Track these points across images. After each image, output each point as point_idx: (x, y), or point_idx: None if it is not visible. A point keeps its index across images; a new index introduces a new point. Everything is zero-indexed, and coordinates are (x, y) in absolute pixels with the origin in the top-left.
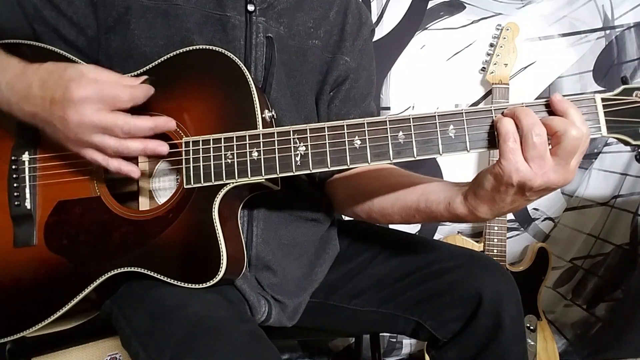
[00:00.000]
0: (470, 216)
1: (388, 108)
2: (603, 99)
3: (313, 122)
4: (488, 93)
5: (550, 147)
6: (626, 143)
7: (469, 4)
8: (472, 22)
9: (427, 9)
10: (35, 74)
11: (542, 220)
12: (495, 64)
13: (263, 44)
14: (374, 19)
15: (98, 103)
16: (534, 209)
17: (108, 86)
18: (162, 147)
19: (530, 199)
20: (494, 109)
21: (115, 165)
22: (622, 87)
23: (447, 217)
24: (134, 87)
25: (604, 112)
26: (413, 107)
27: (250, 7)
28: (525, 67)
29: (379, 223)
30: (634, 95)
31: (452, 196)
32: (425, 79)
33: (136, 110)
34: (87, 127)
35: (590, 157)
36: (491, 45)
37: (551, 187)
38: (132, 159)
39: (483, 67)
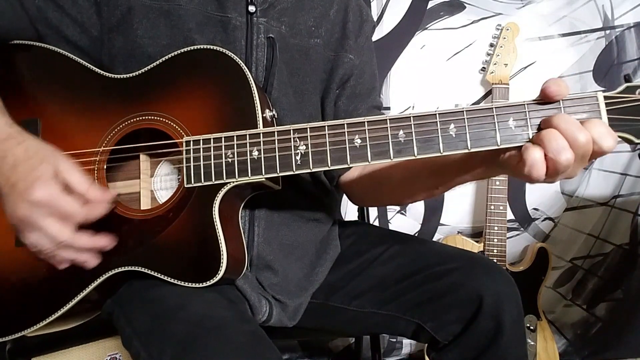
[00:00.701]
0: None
1: (388, 108)
2: (605, 97)
3: (316, 120)
4: (488, 93)
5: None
6: (629, 141)
7: (469, 4)
8: (472, 22)
9: (427, 9)
10: (13, 149)
11: (542, 220)
12: (495, 64)
13: (264, 44)
14: (374, 18)
15: (51, 212)
16: (534, 209)
17: (68, 201)
18: (91, 262)
19: None
20: (495, 108)
21: (45, 259)
22: (625, 85)
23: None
24: (94, 206)
25: (607, 110)
26: (413, 107)
27: (251, 8)
28: (525, 67)
29: (401, 204)
30: (637, 93)
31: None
32: (425, 79)
33: (133, 105)
34: (30, 226)
35: None
36: (491, 45)
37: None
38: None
39: (483, 67)
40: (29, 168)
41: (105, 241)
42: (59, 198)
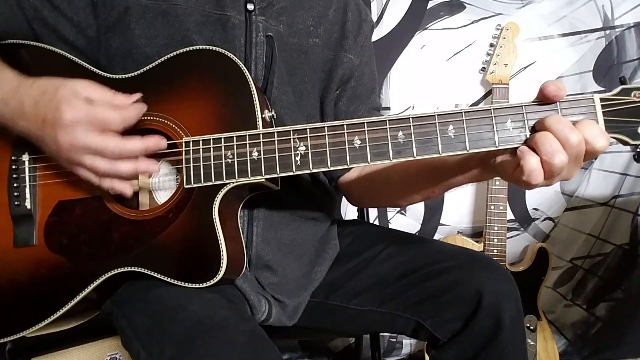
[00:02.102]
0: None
1: (388, 108)
2: (601, 99)
3: (315, 120)
4: (488, 93)
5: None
6: (625, 143)
7: (469, 4)
8: (472, 22)
9: (427, 9)
10: (28, 91)
11: (542, 220)
12: (495, 64)
13: (263, 42)
14: (374, 19)
15: (89, 125)
16: (534, 209)
17: (100, 108)
18: (153, 167)
19: None
20: (493, 109)
21: (108, 184)
22: (621, 87)
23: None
24: (125, 109)
25: (603, 112)
26: (413, 107)
27: (250, 6)
28: (525, 67)
29: (399, 206)
30: (632, 95)
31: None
32: (425, 79)
33: None
34: (78, 149)
35: None
36: (491, 45)
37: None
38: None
39: (483, 67)
40: (48, 98)
41: (154, 141)
42: (89, 110)
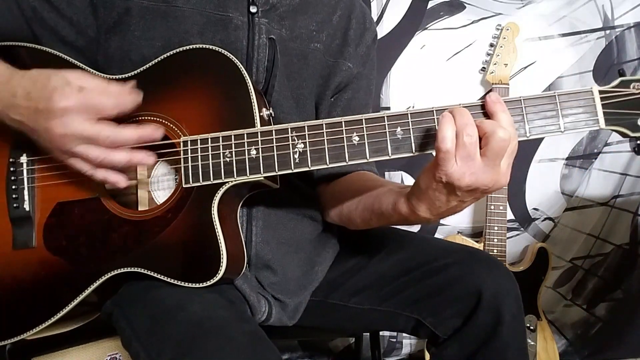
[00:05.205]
0: (413, 216)
1: (388, 108)
2: (600, 92)
3: None
4: (488, 93)
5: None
6: (624, 135)
7: (469, 4)
8: (472, 22)
9: (427, 9)
10: (20, 82)
11: (542, 220)
12: (495, 64)
13: (265, 45)
14: (374, 18)
15: (82, 113)
16: (534, 209)
17: (93, 95)
18: (149, 159)
19: (464, 200)
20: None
21: (101, 175)
22: (620, 79)
23: (396, 218)
24: (120, 95)
25: (602, 104)
26: (413, 107)
27: (253, 9)
28: (525, 67)
29: (348, 226)
30: (631, 87)
31: (398, 197)
32: (425, 79)
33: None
34: (71, 138)
35: (590, 157)
36: (491, 45)
37: (481, 187)
38: None
39: (483, 67)
40: (40, 87)
41: (149, 130)
42: (82, 98)
